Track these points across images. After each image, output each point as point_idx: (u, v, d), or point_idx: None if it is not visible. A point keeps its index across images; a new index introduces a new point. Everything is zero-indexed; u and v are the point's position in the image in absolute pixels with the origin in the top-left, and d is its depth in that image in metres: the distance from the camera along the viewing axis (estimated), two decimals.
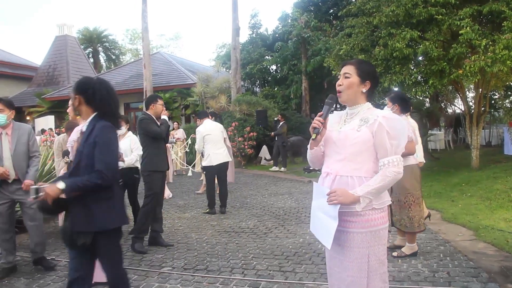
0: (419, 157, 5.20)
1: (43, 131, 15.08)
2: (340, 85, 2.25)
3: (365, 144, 2.14)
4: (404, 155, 4.07)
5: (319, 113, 2.21)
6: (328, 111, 2.24)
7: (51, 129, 15.17)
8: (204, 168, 7.00)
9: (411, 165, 4.19)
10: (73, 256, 2.61)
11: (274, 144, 12.92)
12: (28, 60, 27.84)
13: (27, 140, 4.20)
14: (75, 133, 3.88)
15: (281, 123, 12.84)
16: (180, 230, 5.84)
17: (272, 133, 13.16)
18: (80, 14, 60.20)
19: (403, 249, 4.26)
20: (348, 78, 2.23)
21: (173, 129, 12.76)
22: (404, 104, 4.27)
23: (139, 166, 5.53)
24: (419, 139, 5.26)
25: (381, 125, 2.11)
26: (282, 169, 12.19)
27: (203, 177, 9.03)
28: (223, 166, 6.98)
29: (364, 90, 2.23)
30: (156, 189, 5.08)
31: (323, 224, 2.20)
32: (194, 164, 11.24)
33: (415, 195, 4.17)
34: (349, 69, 2.24)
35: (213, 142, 6.89)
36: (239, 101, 15.13)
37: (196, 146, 7.03)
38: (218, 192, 8.72)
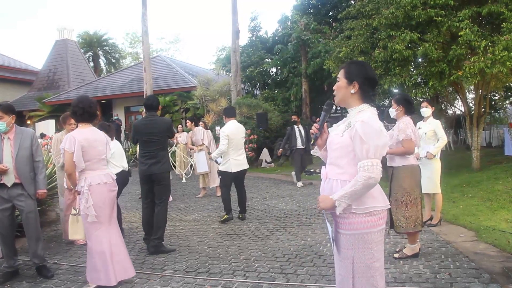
0: (435, 146, 5.34)
1: (42, 135, 15.10)
2: (334, 89, 2.34)
3: (347, 148, 2.18)
4: (402, 154, 4.13)
5: (317, 119, 2.29)
6: (325, 117, 2.32)
7: (42, 134, 15.24)
8: (221, 173, 6.50)
9: (411, 165, 4.21)
10: None
11: (296, 154, 9.88)
12: (28, 65, 27.90)
13: (30, 145, 4.17)
14: (69, 141, 3.76)
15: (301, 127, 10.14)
16: (182, 233, 5.85)
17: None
18: (80, 18, 60.38)
19: (404, 250, 4.27)
20: (338, 82, 2.30)
21: (177, 131, 12.76)
22: (408, 106, 4.30)
23: None
24: (445, 137, 5.41)
25: (356, 131, 2.13)
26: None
27: (201, 182, 9.03)
28: (242, 173, 6.53)
29: (352, 91, 2.24)
30: None
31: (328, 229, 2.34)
32: (191, 165, 11.22)
33: (413, 195, 4.17)
34: (339, 73, 2.31)
35: (235, 147, 6.38)
36: (240, 104, 15.16)
37: (222, 148, 6.26)
38: (218, 194, 8.75)
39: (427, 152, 5.32)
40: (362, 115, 2.17)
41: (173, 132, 5.28)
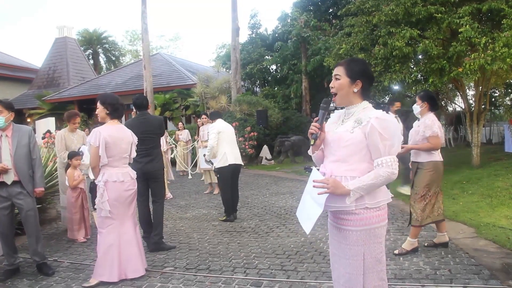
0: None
1: (50, 132, 15.00)
2: (332, 87, 2.28)
3: (358, 145, 2.16)
4: (428, 150, 4.18)
5: (315, 118, 2.26)
6: (324, 116, 2.27)
7: (49, 131, 15.12)
8: (219, 170, 6.35)
9: (435, 161, 4.27)
10: None
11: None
12: (28, 62, 27.86)
13: (28, 142, 4.17)
14: (95, 135, 3.84)
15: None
16: (182, 230, 5.85)
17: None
18: (80, 16, 60.28)
19: (403, 246, 4.29)
20: (338, 80, 2.25)
21: (178, 129, 12.77)
22: (433, 102, 4.39)
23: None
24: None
25: (373, 127, 2.11)
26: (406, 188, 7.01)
27: (207, 178, 9.03)
28: (238, 168, 6.48)
29: (355, 90, 2.23)
30: None
31: (308, 209, 2.26)
32: (195, 163, 11.21)
33: (433, 189, 4.25)
34: (339, 71, 2.25)
35: (229, 140, 6.38)
36: (240, 101, 15.16)
37: (210, 142, 6.31)
38: (214, 192, 8.76)
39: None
40: (373, 112, 2.17)
41: (164, 129, 5.40)
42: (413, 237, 4.28)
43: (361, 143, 2.15)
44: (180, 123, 13.07)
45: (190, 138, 12.55)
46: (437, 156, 4.29)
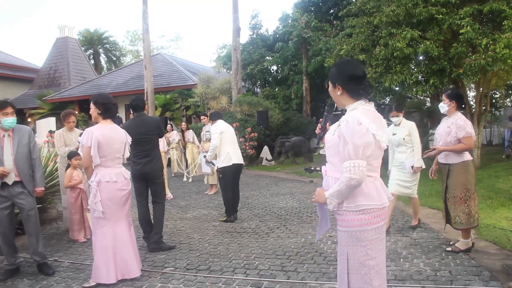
0: (416, 162, 4.99)
1: (51, 132, 14.98)
2: None
3: (336, 147, 2.22)
4: (462, 151, 4.10)
5: (320, 119, 2.45)
6: (327, 117, 2.45)
7: (50, 131, 15.10)
8: (222, 170, 6.33)
9: (466, 161, 4.19)
10: None
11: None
12: (29, 62, 27.89)
13: (28, 142, 4.19)
14: (87, 135, 3.83)
15: None
16: (182, 231, 5.85)
17: None
18: (81, 16, 60.32)
19: (457, 244, 4.27)
20: (329, 85, 2.38)
21: (167, 131, 12.63)
22: (461, 101, 4.28)
23: None
24: (419, 143, 5.04)
25: (341, 131, 2.16)
26: None
27: (210, 180, 9.03)
28: (240, 168, 6.51)
29: (339, 93, 2.28)
30: None
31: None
32: (191, 168, 11.13)
33: (471, 190, 4.17)
34: None
35: (230, 141, 6.40)
36: (240, 102, 15.15)
37: (214, 142, 6.33)
38: (209, 192, 8.82)
39: (413, 166, 5.00)
40: (347, 115, 2.19)
41: (163, 130, 5.41)
42: (466, 237, 4.23)
43: (338, 145, 2.20)
44: (168, 125, 12.75)
45: (180, 138, 12.32)
46: (468, 156, 4.20)
